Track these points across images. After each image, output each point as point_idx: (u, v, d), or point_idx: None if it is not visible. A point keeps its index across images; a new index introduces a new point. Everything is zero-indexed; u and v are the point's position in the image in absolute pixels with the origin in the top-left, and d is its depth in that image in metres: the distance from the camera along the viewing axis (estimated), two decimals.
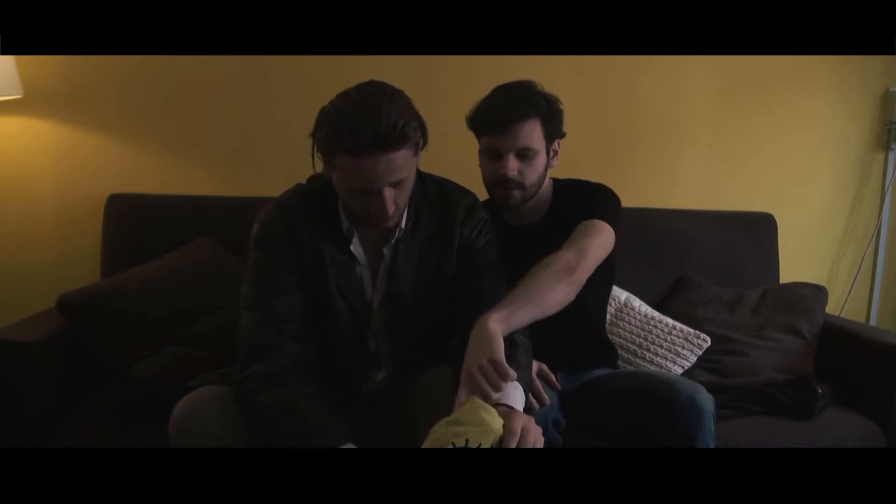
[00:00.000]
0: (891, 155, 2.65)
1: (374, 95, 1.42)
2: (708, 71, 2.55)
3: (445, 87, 2.46)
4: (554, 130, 1.74)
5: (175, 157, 2.45)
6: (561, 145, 1.79)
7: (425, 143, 1.51)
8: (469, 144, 2.49)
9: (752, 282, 2.34)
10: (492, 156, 1.74)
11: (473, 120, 1.75)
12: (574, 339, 1.86)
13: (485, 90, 2.48)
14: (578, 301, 1.77)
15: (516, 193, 1.73)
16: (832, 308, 2.47)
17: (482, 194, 1.95)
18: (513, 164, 1.70)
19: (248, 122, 2.45)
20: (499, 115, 1.70)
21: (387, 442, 1.48)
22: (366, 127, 1.37)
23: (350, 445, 1.35)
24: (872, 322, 2.73)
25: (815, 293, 2.26)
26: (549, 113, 1.72)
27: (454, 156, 2.41)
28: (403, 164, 1.43)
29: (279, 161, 2.37)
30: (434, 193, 1.63)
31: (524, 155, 1.71)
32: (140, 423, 1.72)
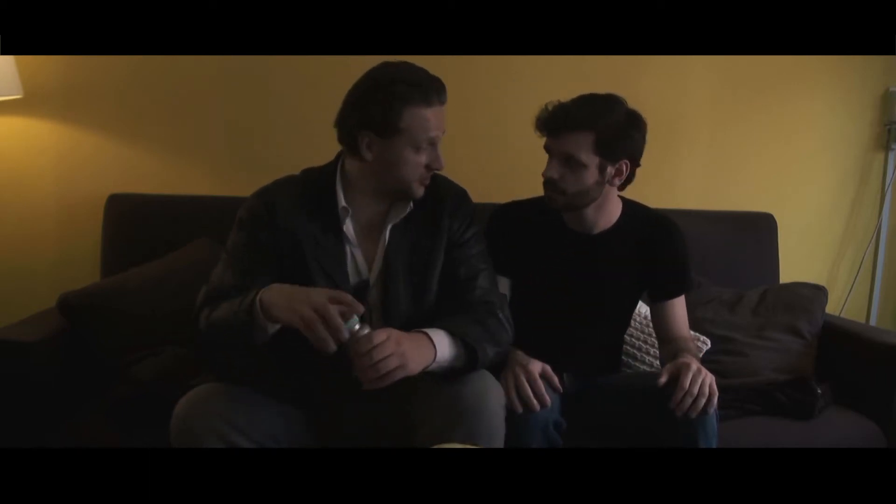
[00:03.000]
0: (891, 155, 2.65)
1: (414, 64, 1.57)
2: (708, 71, 2.55)
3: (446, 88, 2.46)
4: (611, 151, 1.71)
5: (175, 157, 2.45)
6: (633, 170, 1.77)
7: None
8: (469, 144, 2.50)
9: (752, 282, 2.34)
10: (548, 155, 1.76)
11: (539, 119, 1.76)
12: (591, 345, 1.89)
13: (485, 90, 2.50)
14: (600, 310, 1.82)
15: (557, 197, 1.75)
16: (832, 308, 2.47)
17: (481, 194, 1.97)
18: (554, 168, 1.73)
19: (248, 123, 2.45)
20: (554, 119, 1.72)
21: (381, 432, 1.53)
22: (430, 79, 1.55)
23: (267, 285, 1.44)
24: (872, 322, 2.73)
25: (815, 293, 2.26)
26: (609, 132, 1.69)
27: (455, 156, 2.42)
28: None
29: (279, 161, 2.36)
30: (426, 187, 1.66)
31: (568, 163, 1.71)
32: (140, 424, 1.72)
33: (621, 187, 1.80)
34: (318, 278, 1.57)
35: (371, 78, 1.55)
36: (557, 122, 1.71)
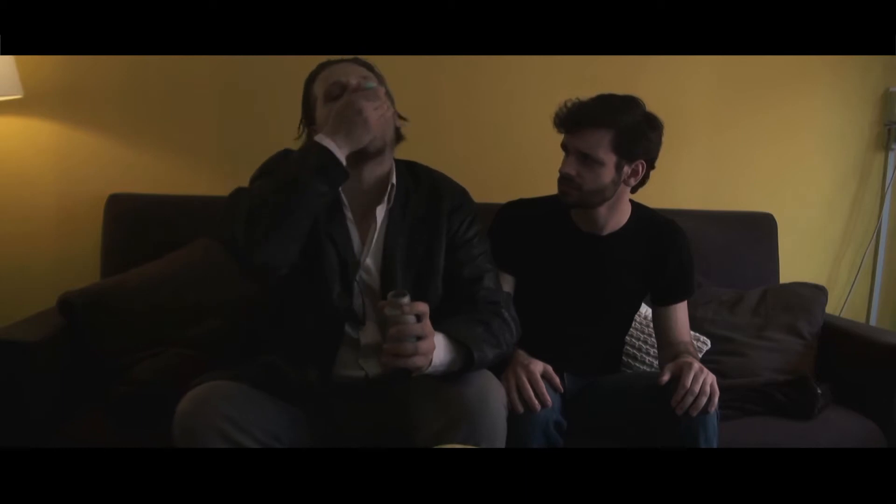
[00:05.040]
0: (891, 155, 2.65)
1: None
2: (708, 71, 2.55)
3: (446, 88, 2.46)
4: (629, 151, 1.72)
5: (175, 157, 2.45)
6: (647, 171, 1.78)
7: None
8: (469, 144, 2.50)
9: (752, 282, 2.34)
10: (564, 152, 1.77)
11: (557, 115, 1.77)
12: (592, 345, 1.89)
13: (485, 90, 2.51)
14: (603, 311, 1.83)
15: (571, 192, 1.76)
16: (832, 308, 2.47)
17: (485, 194, 1.96)
18: (571, 164, 1.73)
19: (248, 122, 2.45)
20: (573, 116, 1.73)
21: (381, 432, 1.54)
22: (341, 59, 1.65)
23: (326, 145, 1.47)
24: (872, 322, 2.73)
25: (815, 293, 2.26)
26: (627, 131, 1.71)
27: (456, 155, 2.42)
28: (368, 75, 1.62)
29: None
30: (426, 183, 1.68)
31: (585, 160, 1.72)
32: (140, 424, 1.72)
33: (634, 189, 1.81)
34: (326, 243, 1.58)
35: None
36: (576, 119, 1.72)
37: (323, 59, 1.76)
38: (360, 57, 1.66)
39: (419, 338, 1.40)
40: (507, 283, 1.83)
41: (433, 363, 1.46)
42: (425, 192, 1.66)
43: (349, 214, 1.62)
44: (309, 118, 1.66)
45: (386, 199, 1.62)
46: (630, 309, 1.95)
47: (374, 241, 1.62)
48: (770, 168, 2.62)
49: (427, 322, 1.42)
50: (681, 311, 1.89)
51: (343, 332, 1.60)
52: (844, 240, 2.69)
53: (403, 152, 1.69)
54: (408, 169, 1.68)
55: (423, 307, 1.42)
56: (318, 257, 1.57)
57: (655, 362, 2.05)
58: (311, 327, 1.58)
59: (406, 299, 1.40)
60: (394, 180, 1.63)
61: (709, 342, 2.15)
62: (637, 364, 2.09)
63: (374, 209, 1.62)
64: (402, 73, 1.58)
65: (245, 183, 1.67)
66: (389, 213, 1.63)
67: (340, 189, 1.58)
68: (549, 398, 1.64)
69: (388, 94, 1.62)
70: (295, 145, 1.65)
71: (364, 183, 1.63)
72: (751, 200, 2.55)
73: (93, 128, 2.40)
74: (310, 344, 1.58)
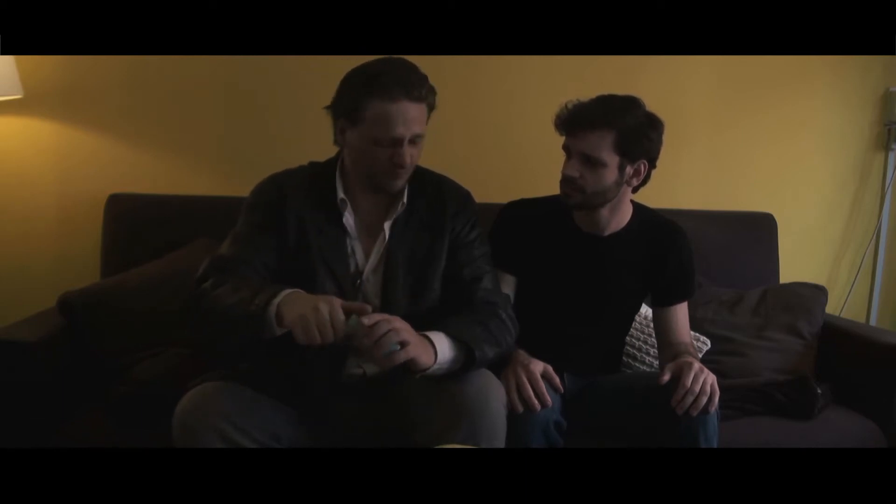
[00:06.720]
0: (891, 155, 2.65)
1: (402, 59, 1.57)
2: (708, 71, 2.55)
3: (447, 88, 2.45)
4: (631, 151, 1.72)
5: (175, 157, 2.45)
6: (649, 171, 1.77)
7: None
8: (470, 145, 2.50)
9: (752, 282, 2.34)
10: (566, 154, 1.77)
11: (558, 117, 1.76)
12: (593, 345, 1.89)
13: (485, 90, 2.50)
14: (604, 312, 1.82)
15: (574, 194, 1.75)
16: (832, 308, 2.47)
17: (485, 194, 1.96)
18: (573, 166, 1.73)
19: (248, 122, 2.45)
20: (574, 119, 1.73)
21: (381, 431, 1.55)
22: (399, 74, 1.52)
23: (287, 291, 1.42)
24: (872, 322, 2.73)
25: (814, 293, 2.26)
26: (629, 131, 1.70)
27: (457, 156, 2.42)
28: (422, 119, 1.54)
29: (279, 161, 2.34)
30: (431, 187, 1.68)
31: (588, 162, 1.72)
32: (140, 424, 1.72)
33: (636, 189, 1.81)
34: (319, 266, 1.58)
35: (353, 68, 1.57)
36: (577, 121, 1.72)
37: (323, 59, 1.76)
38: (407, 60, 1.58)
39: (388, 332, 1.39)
40: (508, 284, 1.83)
41: (438, 361, 1.46)
42: (430, 196, 1.67)
43: (352, 232, 1.63)
44: (344, 112, 1.56)
45: (396, 216, 1.63)
46: (630, 309, 1.95)
47: (379, 254, 1.63)
48: (770, 168, 2.62)
49: (389, 320, 1.41)
50: (681, 311, 1.89)
51: (342, 355, 1.61)
52: (844, 240, 2.69)
53: None
54: (413, 173, 1.68)
55: (379, 316, 1.41)
56: (312, 280, 1.56)
57: (655, 362, 2.04)
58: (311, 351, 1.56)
59: (352, 320, 1.38)
60: (405, 199, 1.63)
61: (709, 342, 2.15)
62: (637, 364, 2.09)
63: (383, 223, 1.63)
64: None
65: (245, 182, 1.68)
66: (394, 223, 1.63)
67: (347, 206, 1.61)
68: (549, 398, 1.64)
69: (428, 105, 1.57)
70: (294, 144, 1.65)
71: (377, 200, 1.64)
72: (751, 200, 2.55)
73: (93, 128, 2.40)
74: (311, 363, 1.57)
